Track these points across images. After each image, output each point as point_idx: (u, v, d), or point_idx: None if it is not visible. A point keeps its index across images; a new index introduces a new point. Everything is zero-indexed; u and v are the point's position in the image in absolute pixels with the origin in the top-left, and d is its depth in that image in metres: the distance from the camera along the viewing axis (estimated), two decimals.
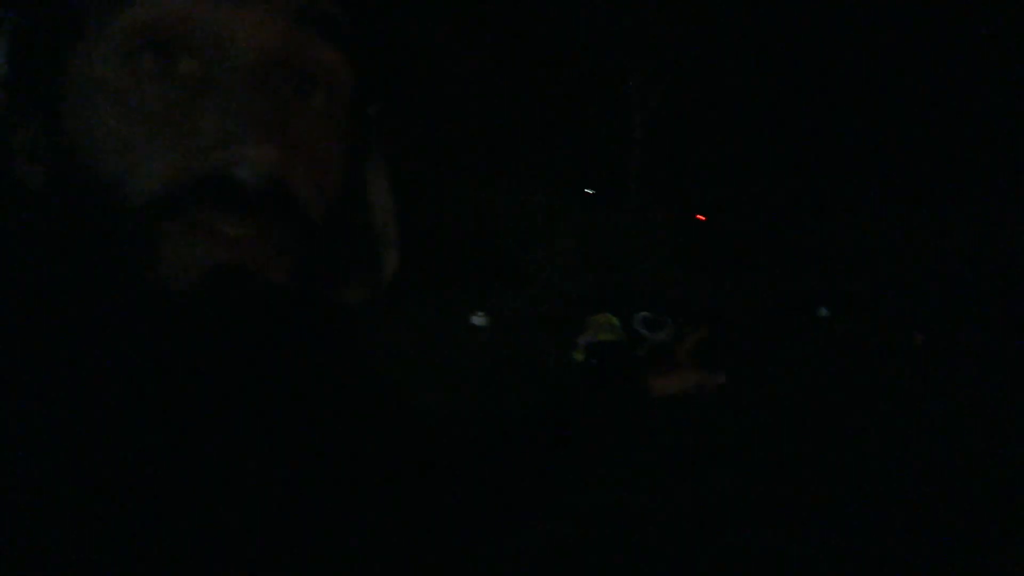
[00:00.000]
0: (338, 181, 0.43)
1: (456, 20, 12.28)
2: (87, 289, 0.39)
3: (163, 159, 0.36)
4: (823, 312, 9.39)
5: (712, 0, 12.75)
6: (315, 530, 0.44)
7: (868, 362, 7.21)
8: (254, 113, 0.37)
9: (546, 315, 8.97)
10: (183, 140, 0.36)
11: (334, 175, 0.43)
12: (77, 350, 0.38)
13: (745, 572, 2.96)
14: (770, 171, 14.37)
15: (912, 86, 14.46)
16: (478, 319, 8.48)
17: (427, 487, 0.57)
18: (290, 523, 0.43)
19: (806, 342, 8.12)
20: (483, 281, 10.12)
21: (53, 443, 0.35)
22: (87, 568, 0.34)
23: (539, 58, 13.90)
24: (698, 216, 13.74)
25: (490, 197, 11.60)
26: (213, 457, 0.40)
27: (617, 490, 3.60)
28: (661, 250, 11.68)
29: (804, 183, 14.07)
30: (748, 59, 14.09)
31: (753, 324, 8.62)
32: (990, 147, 13.89)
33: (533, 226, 11.13)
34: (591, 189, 14.72)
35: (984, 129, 13.99)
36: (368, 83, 0.47)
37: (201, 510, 0.38)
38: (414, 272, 9.13)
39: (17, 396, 0.36)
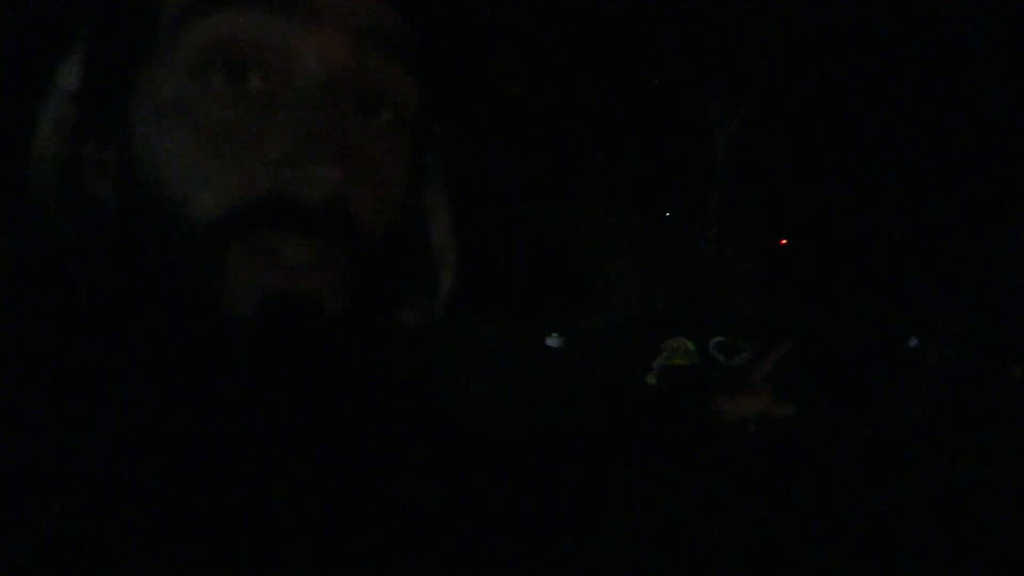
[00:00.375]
0: (399, 202, 0.43)
1: (532, 39, 12.41)
2: (149, 305, 0.39)
3: (228, 178, 0.36)
4: (914, 342, 8.95)
5: (795, 22, 12.46)
6: (375, 550, 0.44)
7: (963, 396, 6.84)
8: (320, 132, 0.36)
9: (622, 337, 8.89)
10: (249, 158, 0.37)
11: (396, 196, 0.43)
12: (134, 366, 0.38)
13: None
14: (856, 193, 13.88)
15: (1006, 106, 13.74)
16: (553, 340, 8.47)
17: (489, 507, 0.57)
18: (350, 545, 0.42)
19: (895, 374, 7.77)
20: (559, 302, 10.12)
21: (106, 456, 0.35)
22: None
23: (620, 78, 13.89)
24: (780, 240, 13.40)
25: (568, 218, 11.62)
26: (271, 481, 0.40)
27: (686, 514, 3.53)
28: (740, 274, 11.42)
29: (892, 206, 13.53)
30: (832, 79, 13.69)
31: (838, 354, 8.30)
32: None
33: (611, 247, 11.09)
34: (670, 211, 14.55)
35: None
36: (432, 102, 0.47)
37: (260, 532, 0.38)
38: (491, 292, 9.22)
39: (72, 408, 0.36)
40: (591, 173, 13.09)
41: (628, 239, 11.25)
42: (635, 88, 14.00)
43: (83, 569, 0.32)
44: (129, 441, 0.36)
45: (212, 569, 0.35)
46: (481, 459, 0.60)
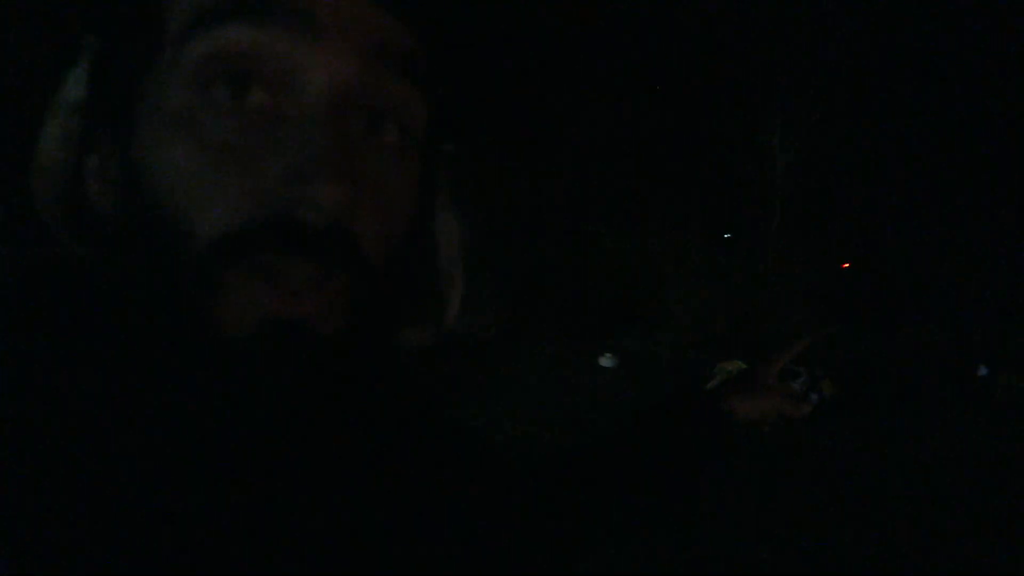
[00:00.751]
0: (405, 222, 0.42)
1: (587, 57, 12.46)
2: (146, 322, 0.38)
3: (229, 196, 0.35)
4: (983, 371, 8.64)
5: (858, 45, 12.24)
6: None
7: None
8: (323, 151, 0.35)
9: (676, 359, 8.84)
10: (250, 177, 0.35)
11: (401, 216, 0.41)
12: (130, 383, 0.38)
13: None
14: (922, 217, 13.48)
15: None
16: (606, 360, 8.48)
17: (502, 523, 0.56)
18: (355, 571, 0.41)
19: (963, 403, 7.52)
20: (614, 322, 10.12)
21: (101, 473, 0.34)
22: None
23: (676, 96, 13.84)
24: (842, 263, 13.10)
25: (626, 238, 11.61)
26: (271, 507, 0.39)
27: (705, 522, 3.50)
28: (800, 298, 11.21)
29: (960, 230, 13.09)
30: (897, 101, 13.36)
31: (904, 381, 8.08)
32: None
33: (668, 268, 11.03)
34: (729, 233, 14.39)
35: None
36: (444, 121, 0.45)
37: (260, 560, 0.37)
38: (547, 311, 9.30)
39: (66, 421, 0.35)
40: (650, 194, 13.06)
41: (686, 260, 11.18)
42: (695, 108, 13.93)
43: None
44: (125, 458, 0.35)
45: None
46: (495, 478, 0.59)
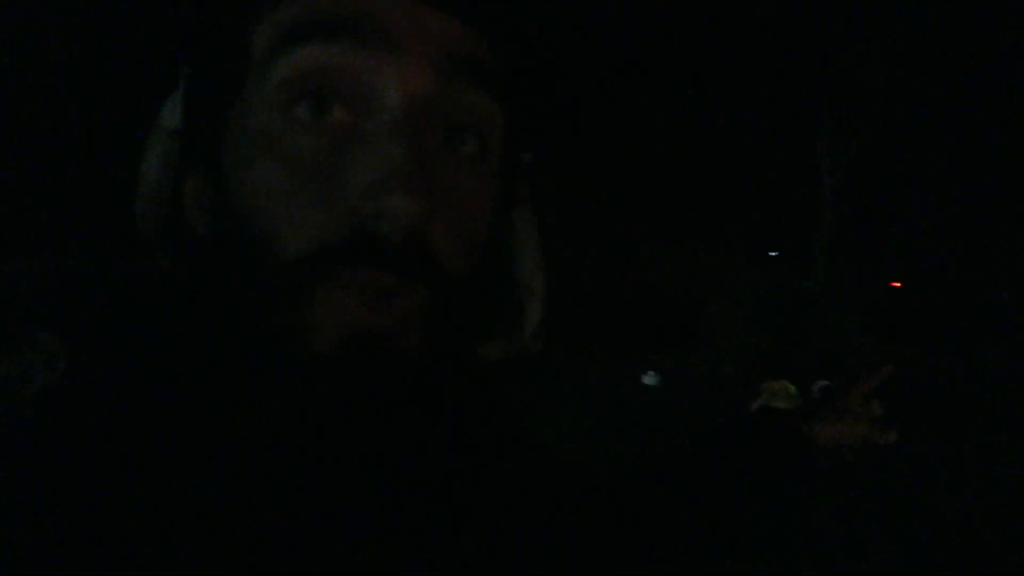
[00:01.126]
0: (484, 234, 0.42)
1: (630, 69, 12.47)
2: (235, 336, 0.40)
3: (313, 214, 0.36)
4: None
5: (906, 60, 12.03)
6: None
7: None
8: (400, 164, 0.36)
9: (720, 378, 8.74)
10: (332, 194, 0.36)
11: (480, 228, 0.42)
12: (219, 396, 0.39)
13: None
14: (973, 233, 13.13)
15: None
16: (650, 378, 8.42)
17: (578, 546, 0.54)
18: None
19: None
20: (658, 340, 10.06)
21: (190, 486, 0.36)
22: None
23: (724, 113, 13.75)
24: (892, 282, 12.82)
25: (671, 255, 11.55)
26: (351, 522, 0.39)
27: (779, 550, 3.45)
28: (849, 317, 10.99)
29: (1013, 246, 12.70)
30: (953, 110, 13.06)
31: (958, 403, 7.85)
32: None
33: (713, 285, 10.94)
34: (775, 250, 14.22)
35: None
36: (521, 131, 0.46)
37: (342, 573, 0.38)
38: (590, 328, 9.29)
39: (157, 434, 0.36)
40: (695, 209, 12.98)
41: (731, 277, 11.07)
42: (743, 123, 13.82)
43: None
44: (214, 468, 0.37)
45: None
46: (573, 495, 0.58)
